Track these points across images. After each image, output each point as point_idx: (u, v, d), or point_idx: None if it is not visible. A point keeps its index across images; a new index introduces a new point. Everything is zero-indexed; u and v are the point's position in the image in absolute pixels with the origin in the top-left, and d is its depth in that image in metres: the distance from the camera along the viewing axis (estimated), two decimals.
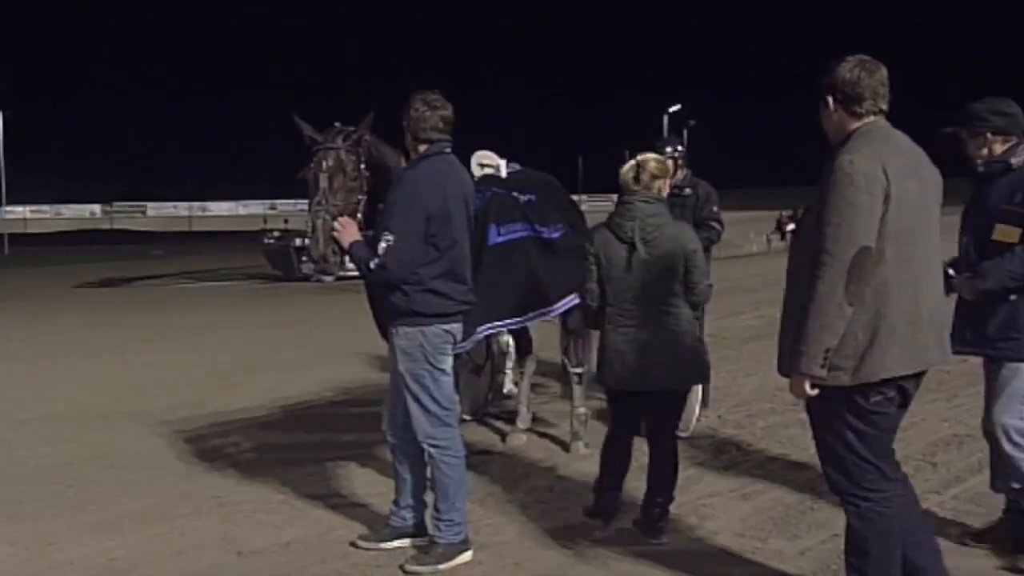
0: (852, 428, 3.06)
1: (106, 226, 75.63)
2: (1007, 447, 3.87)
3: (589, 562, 4.11)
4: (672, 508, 4.50)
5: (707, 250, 6.57)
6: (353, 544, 4.31)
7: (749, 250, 31.86)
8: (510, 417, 6.35)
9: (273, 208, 78.88)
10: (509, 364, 6.87)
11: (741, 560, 4.06)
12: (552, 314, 5.45)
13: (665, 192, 4.45)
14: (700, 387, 6.35)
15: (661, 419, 4.43)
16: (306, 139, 4.22)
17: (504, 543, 4.29)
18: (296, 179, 4.23)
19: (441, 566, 4.00)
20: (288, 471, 5.53)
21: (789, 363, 3.05)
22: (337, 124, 4.25)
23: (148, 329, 14.44)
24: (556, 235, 5.42)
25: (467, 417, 6.24)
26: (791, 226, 39.64)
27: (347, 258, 4.12)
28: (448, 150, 4.07)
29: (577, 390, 5.82)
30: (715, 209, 6.48)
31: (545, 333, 6.38)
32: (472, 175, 4.70)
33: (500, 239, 4.99)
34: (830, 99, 3.10)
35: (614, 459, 4.46)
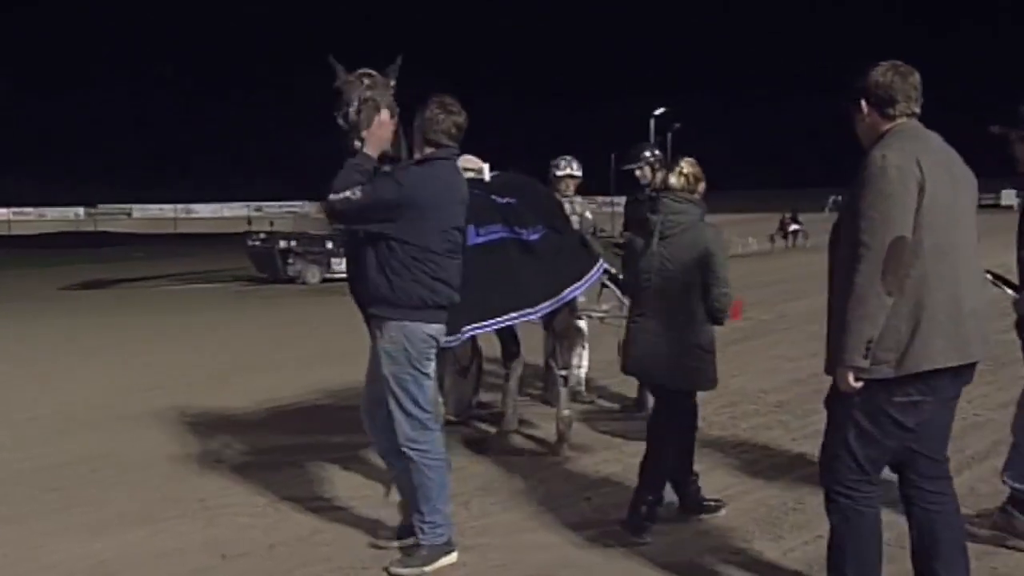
0: (857, 425, 3.07)
1: (90, 228, 75.14)
2: None
3: (574, 564, 4.12)
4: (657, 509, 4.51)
5: None
6: (375, 545, 4.29)
7: (735, 251, 32.00)
8: (495, 419, 6.35)
9: (258, 210, 78.71)
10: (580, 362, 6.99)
11: (725, 561, 4.08)
12: (534, 316, 5.45)
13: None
14: None
15: (657, 414, 4.48)
16: (338, 75, 4.17)
17: (489, 545, 4.29)
18: (333, 88, 4.12)
19: (426, 568, 4.00)
20: (274, 474, 5.52)
21: (833, 359, 3.06)
22: (365, 69, 4.19)
23: (134, 331, 14.38)
24: (535, 237, 5.43)
25: (453, 418, 6.24)
26: (794, 227, 39.70)
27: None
28: (455, 156, 4.07)
29: (563, 393, 5.83)
30: None
31: (532, 336, 6.39)
32: None
33: (479, 239, 5.00)
34: (863, 102, 3.14)
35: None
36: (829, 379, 3.16)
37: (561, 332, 5.79)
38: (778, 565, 4.01)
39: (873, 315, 2.93)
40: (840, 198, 3.15)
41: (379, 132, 3.97)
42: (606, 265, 6.13)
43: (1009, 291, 3.97)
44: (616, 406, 7.02)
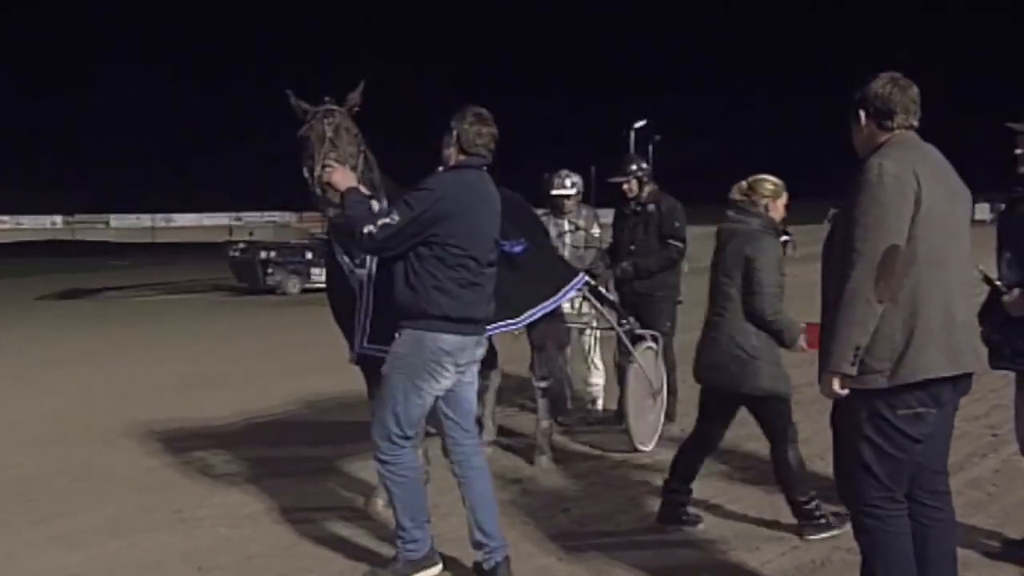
0: (870, 442, 3.05)
1: (68, 237, 74.51)
2: None
3: (554, 574, 4.13)
4: (633, 521, 4.54)
5: (670, 268, 6.64)
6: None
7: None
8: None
9: (238, 220, 78.34)
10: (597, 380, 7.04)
11: (704, 572, 4.11)
12: (516, 327, 5.47)
13: (775, 213, 4.56)
14: (664, 402, 6.42)
15: (703, 412, 4.65)
16: (296, 109, 4.24)
17: (469, 556, 4.29)
18: (297, 136, 4.21)
19: None
20: (252, 485, 5.50)
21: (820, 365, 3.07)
22: (327, 98, 4.28)
23: (112, 341, 14.28)
24: (518, 249, 5.45)
25: (432, 431, 6.23)
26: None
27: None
28: (485, 167, 4.06)
29: (542, 403, 5.85)
30: (677, 225, 6.53)
31: (510, 346, 6.41)
32: None
33: None
34: (862, 113, 3.16)
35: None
36: (809, 392, 3.19)
37: (540, 343, 5.81)
38: (757, 575, 4.04)
39: (863, 322, 2.93)
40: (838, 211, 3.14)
41: (340, 174, 3.99)
42: (586, 277, 6.16)
43: (1000, 286, 4.02)
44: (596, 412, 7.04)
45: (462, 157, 3.99)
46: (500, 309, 5.24)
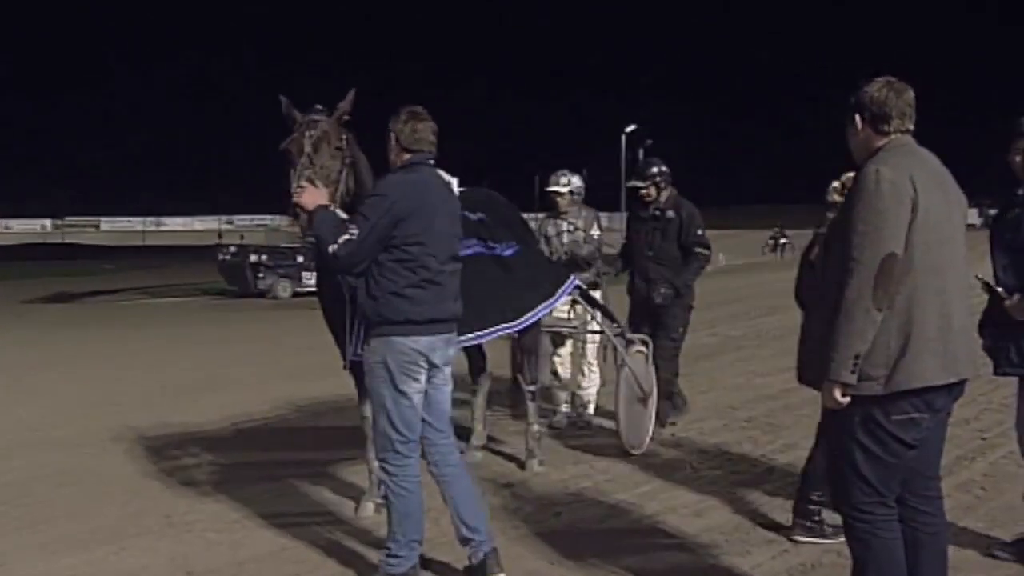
0: (861, 446, 3.05)
1: (57, 240, 74.26)
2: None
3: None
4: (624, 525, 4.54)
5: (695, 274, 6.62)
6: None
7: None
8: (465, 435, 6.35)
9: (229, 223, 78.21)
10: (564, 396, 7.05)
11: (695, 575, 4.11)
12: (514, 330, 5.47)
13: None
14: (653, 406, 6.43)
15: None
16: (287, 118, 4.23)
17: (459, 560, 4.28)
18: (279, 150, 4.20)
19: None
20: (242, 490, 5.48)
21: (813, 373, 3.07)
22: (318, 106, 4.28)
23: (100, 345, 14.23)
24: (509, 252, 5.47)
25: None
26: (784, 240, 40.97)
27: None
28: (431, 162, 4.08)
29: (531, 407, 5.85)
30: (700, 232, 6.57)
31: (502, 351, 6.41)
32: None
33: None
34: (858, 117, 3.16)
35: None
36: (799, 395, 3.20)
37: (529, 347, 5.81)
38: None
39: (862, 330, 2.92)
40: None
41: (309, 194, 3.98)
42: (577, 281, 6.17)
43: (1001, 292, 4.03)
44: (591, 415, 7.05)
45: (406, 156, 4.01)
46: (494, 314, 5.26)
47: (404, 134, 3.98)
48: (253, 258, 25.40)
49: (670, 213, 6.51)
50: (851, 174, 4.47)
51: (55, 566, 4.43)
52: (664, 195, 6.56)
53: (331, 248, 3.80)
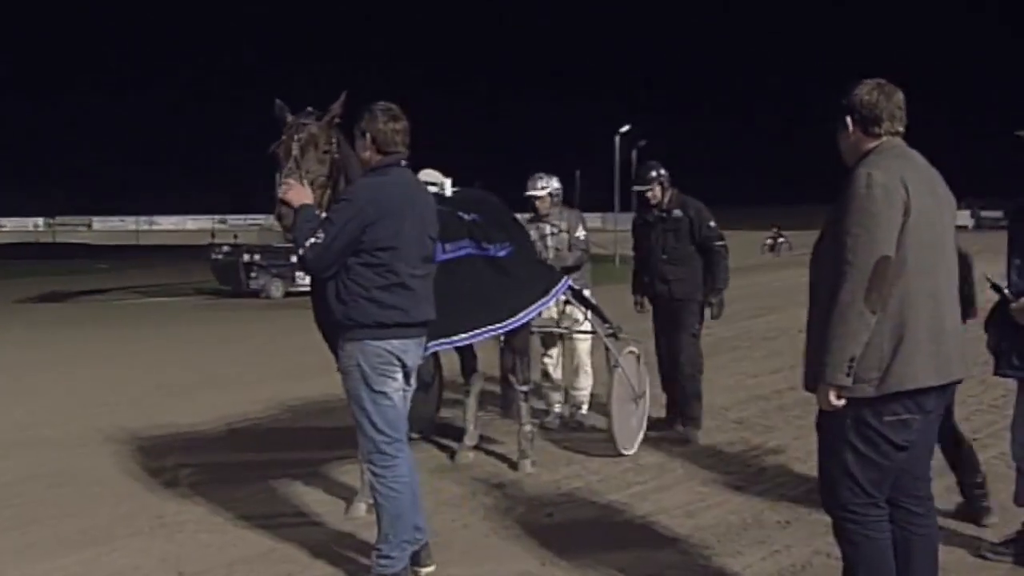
0: (852, 448, 3.05)
1: (49, 240, 74.01)
2: None
3: None
4: (616, 525, 4.53)
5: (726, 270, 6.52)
6: None
7: None
8: (457, 435, 6.35)
9: (222, 222, 78.01)
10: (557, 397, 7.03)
11: None
12: (501, 331, 5.47)
13: None
14: (646, 406, 6.44)
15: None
16: (278, 118, 4.22)
17: (449, 561, 4.29)
18: (268, 153, 4.21)
19: None
20: (233, 490, 5.47)
21: (814, 376, 3.07)
22: (309, 108, 4.27)
23: (92, 345, 14.19)
24: (502, 253, 5.47)
25: (415, 435, 6.23)
26: (781, 239, 41.52)
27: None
28: (404, 163, 4.08)
29: (523, 408, 5.85)
30: (712, 225, 6.52)
31: (493, 352, 6.41)
32: None
33: (446, 255, 5.00)
34: (848, 120, 3.17)
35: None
36: (791, 396, 3.20)
37: (520, 348, 5.82)
38: None
39: (856, 333, 2.93)
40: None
41: (294, 191, 3.98)
42: (570, 282, 6.18)
43: (1008, 293, 4.05)
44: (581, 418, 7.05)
45: (379, 157, 4.00)
46: (486, 314, 5.27)
47: (381, 135, 3.97)
48: (246, 258, 25.31)
49: (677, 212, 6.50)
50: None
51: (46, 566, 4.41)
52: (668, 195, 6.58)
53: (300, 250, 3.82)
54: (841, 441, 3.08)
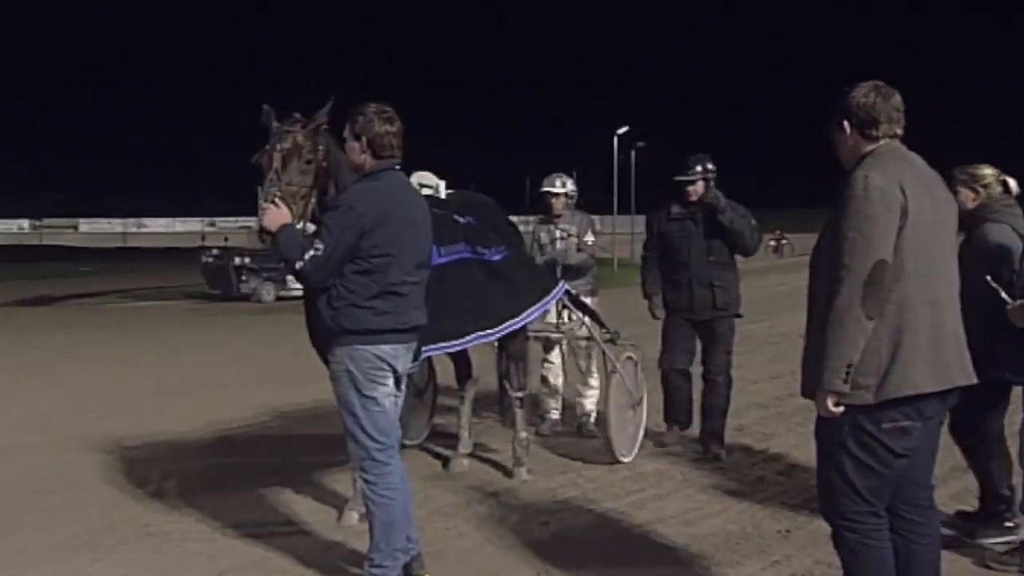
0: (851, 455, 3.05)
1: (35, 242, 73.91)
2: None
3: None
4: (613, 534, 4.52)
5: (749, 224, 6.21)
6: None
7: None
8: (451, 442, 6.35)
9: (212, 225, 77.96)
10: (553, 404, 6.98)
11: None
12: (493, 337, 5.48)
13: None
14: (643, 413, 6.44)
15: None
16: (265, 125, 4.23)
17: (444, 571, 4.28)
18: (251, 163, 4.21)
19: None
20: (222, 498, 5.46)
21: (811, 382, 3.08)
22: (296, 114, 4.27)
23: (79, 349, 14.16)
24: (497, 257, 5.48)
25: (408, 443, 6.23)
26: (784, 241, 43.30)
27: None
28: (397, 166, 4.08)
29: (519, 414, 5.85)
30: (753, 223, 6.31)
31: (489, 357, 6.41)
32: None
33: (441, 260, 5.01)
34: (846, 123, 3.18)
35: None
36: (791, 403, 3.20)
37: (516, 353, 5.82)
38: None
39: (853, 339, 2.94)
40: None
41: (272, 214, 3.97)
42: (566, 287, 6.18)
43: (1006, 298, 4.07)
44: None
45: (374, 162, 4.00)
46: (480, 319, 5.27)
47: (377, 138, 3.96)
48: (237, 261, 25.32)
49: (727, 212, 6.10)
50: (987, 169, 4.51)
51: None
52: (711, 193, 6.16)
53: (298, 265, 3.81)
54: (839, 448, 3.08)
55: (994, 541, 4.38)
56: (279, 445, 6.93)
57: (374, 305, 3.86)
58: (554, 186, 6.95)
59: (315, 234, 3.90)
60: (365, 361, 3.88)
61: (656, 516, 5.02)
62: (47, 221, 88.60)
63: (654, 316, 6.47)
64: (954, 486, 5.36)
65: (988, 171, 4.54)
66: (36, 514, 5.38)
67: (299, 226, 4.06)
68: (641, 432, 6.35)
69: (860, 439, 3.04)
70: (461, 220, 5.37)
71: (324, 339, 4.06)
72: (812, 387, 3.08)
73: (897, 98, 3.18)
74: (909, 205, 2.98)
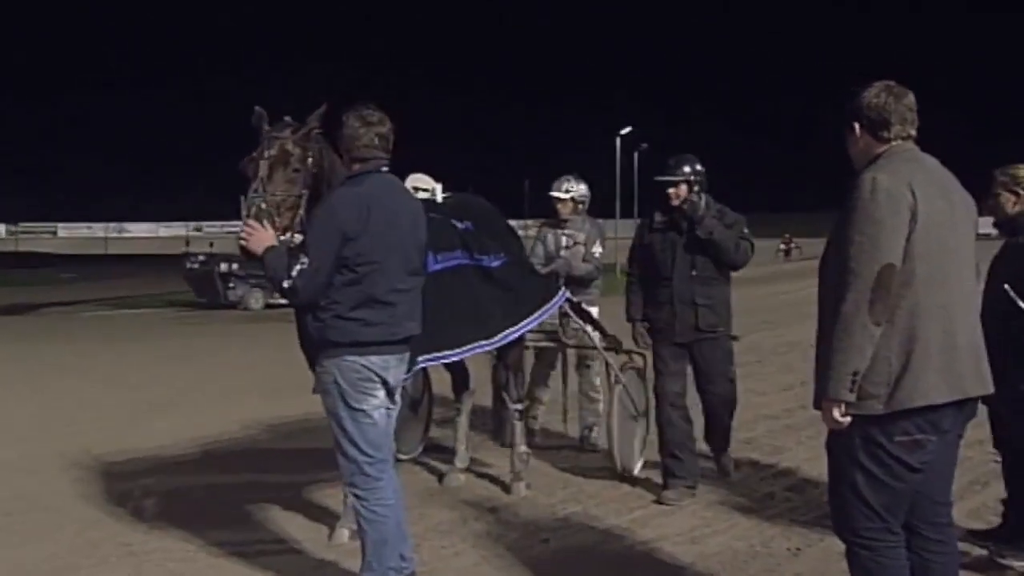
0: (863, 469, 3.05)
1: (11, 248, 73.91)
2: None
3: None
4: (616, 552, 4.50)
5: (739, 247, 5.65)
6: None
7: None
8: (447, 456, 6.34)
9: (197, 230, 77.99)
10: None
11: None
12: (492, 347, 5.47)
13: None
14: (648, 424, 6.43)
15: None
16: (256, 125, 4.23)
17: None
18: (237, 169, 4.22)
19: None
20: (207, 516, 5.45)
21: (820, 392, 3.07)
22: (287, 118, 4.28)
23: (57, 361, 14.13)
24: (496, 264, 5.48)
25: (402, 456, 6.22)
26: (793, 245, 44.31)
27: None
28: (384, 169, 4.07)
29: (517, 427, 5.85)
30: (746, 231, 5.73)
31: (484, 366, 6.41)
32: None
33: (438, 266, 5.01)
34: (856, 125, 3.19)
35: None
36: (802, 415, 3.20)
37: (514, 364, 5.82)
38: None
39: (860, 346, 2.94)
40: None
41: (255, 237, 3.98)
42: (567, 294, 6.18)
43: (1021, 304, 4.07)
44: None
45: (356, 166, 4.01)
46: (477, 328, 5.27)
47: (353, 141, 3.98)
48: (223, 267, 25.28)
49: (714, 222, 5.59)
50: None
51: None
52: (700, 201, 5.64)
53: (286, 283, 3.81)
54: (850, 462, 3.08)
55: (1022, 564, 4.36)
56: (267, 460, 6.92)
57: (362, 316, 3.85)
58: (560, 190, 6.89)
59: (301, 246, 3.90)
60: (354, 373, 3.88)
61: (660, 533, 5.01)
62: (24, 226, 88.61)
63: (637, 344, 6.02)
64: (972, 502, 5.36)
65: None
66: (10, 533, 5.37)
67: (287, 237, 4.08)
68: (644, 445, 6.33)
69: (872, 452, 3.03)
70: (459, 225, 5.37)
71: (314, 351, 4.06)
72: (820, 397, 3.07)
73: (910, 98, 3.18)
74: (919, 208, 2.98)
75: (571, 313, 6.46)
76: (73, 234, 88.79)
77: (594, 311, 6.71)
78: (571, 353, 7.00)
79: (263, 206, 4.04)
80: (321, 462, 5.73)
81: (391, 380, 3.98)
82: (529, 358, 6.76)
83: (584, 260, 6.85)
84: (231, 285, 24.98)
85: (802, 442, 6.84)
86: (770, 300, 19.36)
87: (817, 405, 3.14)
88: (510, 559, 4.68)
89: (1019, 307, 4.09)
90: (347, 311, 3.84)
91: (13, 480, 6.61)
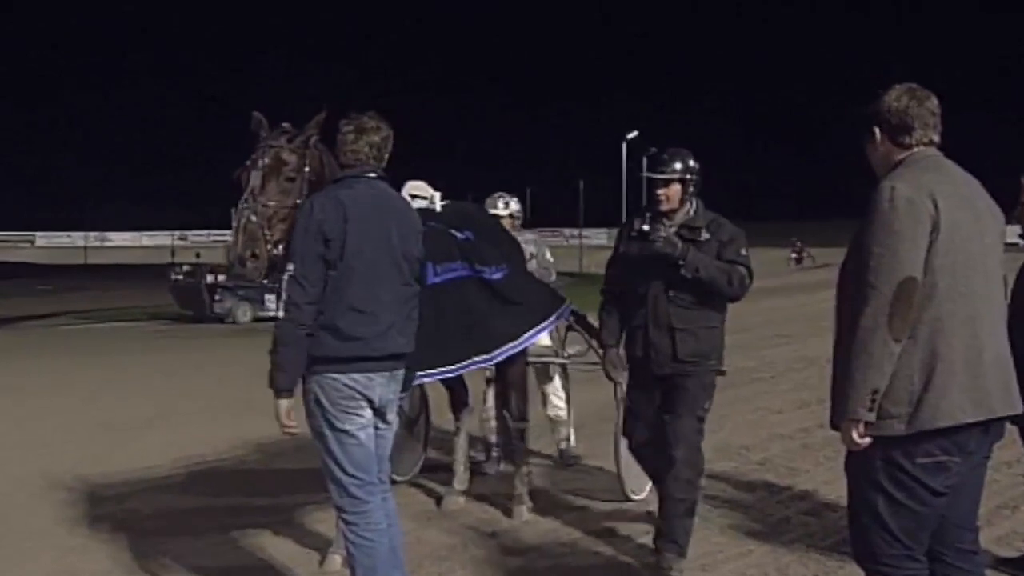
0: (884, 493, 3.03)
1: None
2: None
3: None
4: None
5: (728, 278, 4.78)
6: None
7: None
8: (445, 478, 6.33)
9: (183, 239, 78.06)
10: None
11: None
12: (490, 363, 5.47)
13: None
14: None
15: None
16: (253, 131, 4.26)
17: None
18: (231, 178, 4.23)
19: None
20: (192, 540, 5.44)
21: (838, 412, 3.06)
22: (285, 125, 4.30)
23: (34, 376, 14.13)
24: (498, 275, 5.48)
25: (398, 478, 6.21)
26: (805, 253, 45.05)
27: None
28: (372, 175, 4.06)
29: (519, 447, 5.84)
30: (744, 253, 4.88)
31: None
32: None
33: (436, 279, 5.01)
34: (877, 130, 3.18)
35: None
36: (819, 434, 3.19)
37: (515, 380, 5.81)
38: None
39: (879, 363, 2.92)
40: None
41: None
42: (573, 306, 6.18)
43: None
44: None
45: (345, 171, 4.04)
46: (477, 343, 5.27)
47: (343, 147, 4.02)
48: (210, 279, 25.33)
49: (704, 234, 4.84)
50: None
51: None
52: (693, 206, 4.94)
53: (283, 298, 3.80)
54: (871, 485, 3.07)
55: None
56: (256, 481, 6.91)
57: (338, 325, 3.80)
58: (497, 208, 6.84)
59: (286, 255, 3.91)
60: (334, 391, 3.84)
61: None
62: (0, 235, 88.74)
63: (609, 377, 5.33)
64: (1000, 527, 5.35)
65: None
66: None
67: (278, 251, 4.10)
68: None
69: (893, 475, 3.02)
70: (458, 235, 5.37)
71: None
72: (838, 416, 3.06)
73: (933, 102, 3.18)
74: (941, 218, 2.97)
75: (576, 327, 6.46)
76: (52, 243, 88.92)
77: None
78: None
79: (253, 218, 4.05)
80: (312, 483, 5.71)
81: (376, 399, 3.93)
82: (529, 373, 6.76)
83: (544, 269, 6.89)
84: (218, 297, 25.02)
85: (820, 463, 6.83)
86: (784, 312, 19.34)
87: (835, 425, 3.13)
88: None
89: None
90: (327, 324, 3.80)
91: None
